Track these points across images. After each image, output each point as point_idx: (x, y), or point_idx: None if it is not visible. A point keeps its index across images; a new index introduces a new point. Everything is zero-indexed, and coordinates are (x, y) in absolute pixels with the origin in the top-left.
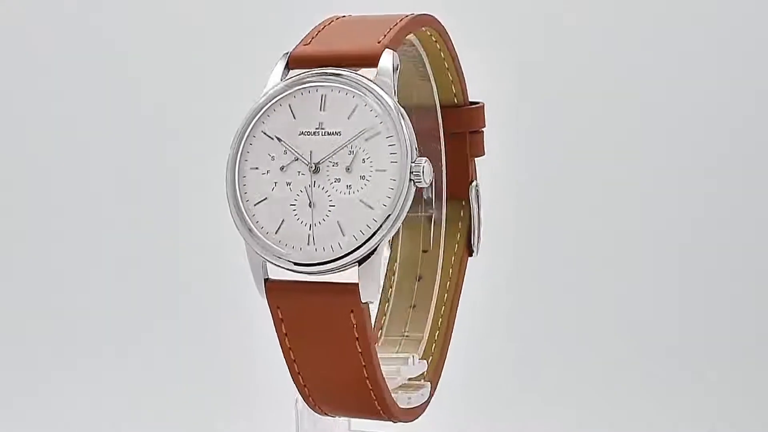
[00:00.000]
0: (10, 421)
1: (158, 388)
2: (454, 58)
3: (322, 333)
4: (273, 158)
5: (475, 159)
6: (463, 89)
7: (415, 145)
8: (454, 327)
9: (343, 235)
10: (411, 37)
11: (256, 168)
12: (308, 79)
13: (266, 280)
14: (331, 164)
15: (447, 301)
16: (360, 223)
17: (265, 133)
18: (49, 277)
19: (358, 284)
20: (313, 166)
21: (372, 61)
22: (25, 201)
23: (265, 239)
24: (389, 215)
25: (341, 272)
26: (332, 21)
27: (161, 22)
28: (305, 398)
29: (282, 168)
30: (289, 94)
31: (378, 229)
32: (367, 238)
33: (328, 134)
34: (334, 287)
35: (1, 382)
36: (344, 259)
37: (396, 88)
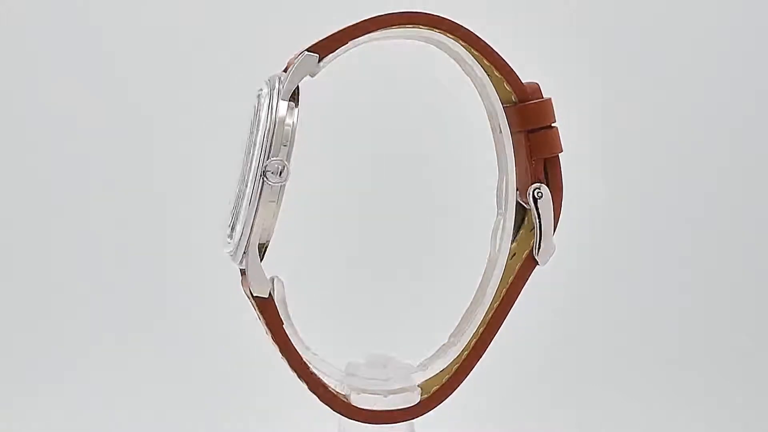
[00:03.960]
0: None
1: (186, 389)
2: (489, 57)
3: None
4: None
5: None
6: (515, 86)
7: (286, 143)
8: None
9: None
10: (438, 36)
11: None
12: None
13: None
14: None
15: (494, 309)
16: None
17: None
18: (47, 276)
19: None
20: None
21: (289, 65)
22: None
23: (227, 237)
24: (243, 213)
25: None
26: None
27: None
28: None
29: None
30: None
31: (243, 227)
32: (240, 235)
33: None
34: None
35: None
36: (234, 255)
37: (289, 90)
